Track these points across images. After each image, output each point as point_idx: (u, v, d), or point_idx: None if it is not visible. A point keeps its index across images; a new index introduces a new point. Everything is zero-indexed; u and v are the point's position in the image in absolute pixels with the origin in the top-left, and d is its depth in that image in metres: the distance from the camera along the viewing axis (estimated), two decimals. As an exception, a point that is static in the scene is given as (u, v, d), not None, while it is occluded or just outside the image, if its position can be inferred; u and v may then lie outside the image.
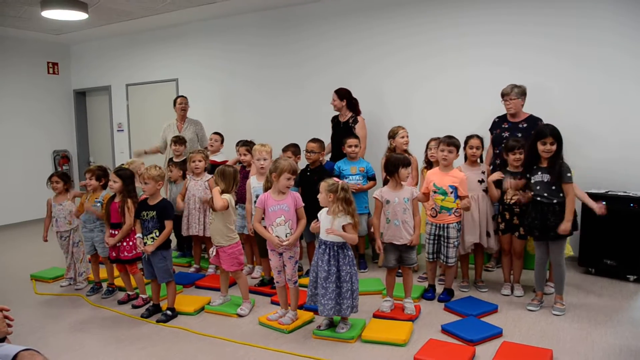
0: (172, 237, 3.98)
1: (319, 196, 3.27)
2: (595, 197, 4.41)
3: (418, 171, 4.69)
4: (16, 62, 7.78)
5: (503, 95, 4.45)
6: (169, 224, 3.72)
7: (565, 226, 3.50)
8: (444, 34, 5.40)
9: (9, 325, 1.83)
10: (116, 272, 4.39)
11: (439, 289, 4.09)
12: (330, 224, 3.22)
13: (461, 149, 4.12)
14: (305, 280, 4.13)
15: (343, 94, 5.21)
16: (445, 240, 3.86)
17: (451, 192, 3.81)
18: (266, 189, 3.64)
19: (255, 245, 4.56)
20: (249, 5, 6.32)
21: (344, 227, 3.20)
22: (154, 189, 3.72)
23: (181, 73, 7.44)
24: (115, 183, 3.95)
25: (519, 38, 5.01)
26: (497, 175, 3.99)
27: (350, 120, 5.22)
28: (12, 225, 7.57)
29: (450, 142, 3.87)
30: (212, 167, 4.86)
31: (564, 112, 4.60)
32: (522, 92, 4.43)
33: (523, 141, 4.00)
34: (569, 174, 3.52)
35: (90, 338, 3.45)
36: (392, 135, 4.68)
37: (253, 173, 4.39)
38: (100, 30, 7.46)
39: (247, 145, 4.81)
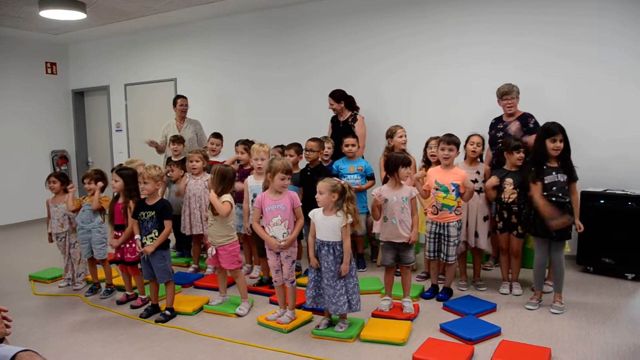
0: (172, 237, 3.98)
1: (318, 197, 3.26)
2: (593, 195, 4.44)
3: (416, 170, 4.69)
4: (14, 62, 7.76)
5: (503, 94, 4.41)
6: (168, 224, 3.72)
7: (579, 224, 3.67)
8: (442, 33, 5.40)
9: (8, 326, 1.82)
10: (115, 272, 4.39)
11: (440, 289, 4.09)
12: (330, 224, 3.22)
13: (461, 147, 4.14)
14: (303, 280, 4.14)
15: (339, 97, 5.21)
16: (446, 239, 3.87)
17: (453, 190, 3.81)
18: (265, 188, 3.65)
19: (254, 244, 4.56)
20: (247, 5, 6.31)
21: (344, 227, 3.21)
22: (153, 189, 3.72)
23: (179, 73, 7.43)
24: (116, 182, 3.95)
25: (517, 37, 5.01)
26: (494, 180, 3.95)
27: (350, 119, 5.23)
28: (10, 225, 7.56)
29: (450, 140, 3.87)
30: (209, 167, 4.85)
31: (563, 111, 4.59)
32: (518, 92, 4.43)
33: (524, 140, 4.01)
34: (575, 172, 3.60)
35: (89, 338, 3.45)
36: (390, 134, 4.68)
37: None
38: (99, 30, 7.45)
39: (245, 144, 4.81)
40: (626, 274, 4.35)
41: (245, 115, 6.82)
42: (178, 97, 6.15)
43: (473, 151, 4.11)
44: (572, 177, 3.58)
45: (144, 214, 3.70)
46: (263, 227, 3.51)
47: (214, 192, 3.70)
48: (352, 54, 5.96)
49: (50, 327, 3.68)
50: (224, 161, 5.24)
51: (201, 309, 3.89)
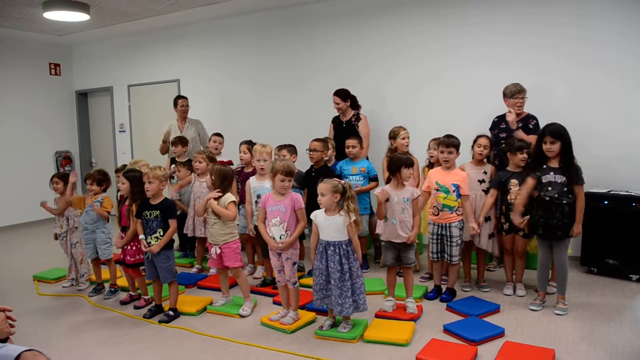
0: (175, 238, 3.99)
1: (320, 199, 3.25)
2: (597, 196, 4.43)
3: (419, 171, 4.69)
4: (18, 63, 7.79)
5: (515, 92, 4.35)
6: (173, 223, 3.73)
7: (577, 228, 3.54)
8: (445, 34, 5.40)
9: (12, 326, 1.83)
10: (119, 273, 4.40)
11: (443, 290, 4.08)
12: (334, 224, 3.23)
13: (466, 147, 4.13)
14: (307, 281, 4.13)
15: (345, 95, 5.21)
16: (448, 239, 3.87)
17: (453, 191, 3.82)
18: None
19: (258, 245, 4.56)
20: (250, 6, 6.32)
21: (350, 226, 3.22)
22: (157, 189, 3.72)
23: (182, 74, 7.44)
24: (123, 185, 3.96)
25: (520, 38, 5.00)
26: (521, 221, 3.78)
27: (353, 119, 5.23)
28: (15, 226, 7.59)
29: (449, 142, 3.87)
30: None
31: (566, 112, 4.58)
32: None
33: (529, 141, 4.01)
34: (581, 175, 3.53)
35: (93, 338, 3.46)
36: (393, 136, 4.68)
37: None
38: (102, 32, 7.47)
39: (248, 144, 4.83)
40: (630, 275, 4.33)
41: (248, 116, 6.82)
42: (178, 97, 6.15)
43: (480, 153, 4.10)
44: (572, 179, 3.52)
45: (148, 214, 3.71)
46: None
47: (214, 201, 3.70)
48: (355, 54, 5.95)
49: (54, 327, 3.69)
50: (229, 160, 5.26)
51: (204, 309, 3.89)
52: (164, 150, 6.04)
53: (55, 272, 4.89)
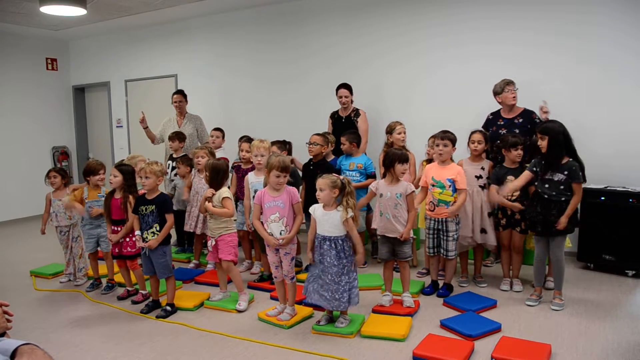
0: (173, 233, 3.98)
1: (318, 194, 3.25)
2: (594, 192, 4.44)
3: (416, 167, 4.69)
4: (15, 58, 7.76)
5: (504, 86, 4.36)
6: (170, 218, 3.73)
7: (563, 221, 3.50)
8: (444, 30, 5.39)
9: (9, 321, 1.83)
10: (116, 269, 4.40)
11: (440, 285, 4.09)
12: (332, 219, 3.23)
13: (463, 143, 4.14)
14: (304, 276, 4.13)
15: (350, 88, 5.21)
16: (445, 234, 3.88)
17: (449, 186, 3.82)
18: (266, 184, 3.64)
19: (255, 241, 4.56)
20: (248, 0, 6.29)
21: (347, 221, 3.22)
22: (154, 184, 3.71)
23: (180, 69, 7.42)
24: (115, 177, 3.95)
25: (518, 33, 5.00)
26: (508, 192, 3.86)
27: (353, 114, 5.22)
28: (12, 221, 7.57)
29: (444, 136, 3.88)
30: None
31: (563, 108, 4.58)
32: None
33: (523, 137, 4.01)
34: (580, 173, 3.53)
35: (90, 334, 3.46)
36: (390, 130, 4.68)
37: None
38: (99, 26, 7.44)
39: (247, 141, 4.81)
40: (626, 271, 4.35)
41: (247, 110, 6.81)
42: (174, 93, 6.14)
43: (475, 149, 4.11)
44: (571, 177, 3.53)
45: (144, 209, 3.70)
46: (262, 223, 3.51)
47: (209, 204, 3.73)
48: (354, 49, 5.94)
49: (52, 322, 3.69)
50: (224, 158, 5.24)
51: (202, 304, 3.90)
52: (152, 138, 6.03)
53: (52, 268, 4.88)
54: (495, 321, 3.34)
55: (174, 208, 4.87)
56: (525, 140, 3.98)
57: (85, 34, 8.01)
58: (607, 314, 3.54)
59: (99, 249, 4.36)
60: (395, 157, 3.57)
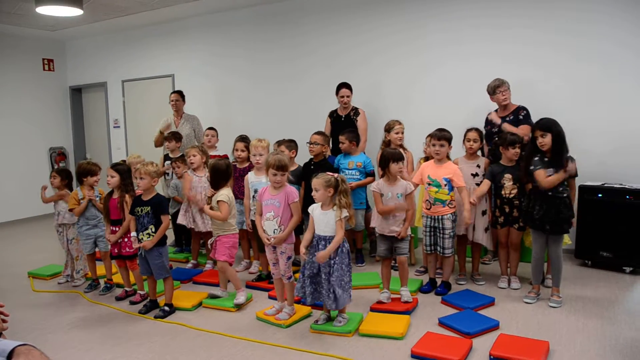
0: (170, 234, 3.98)
1: (314, 194, 3.25)
2: (591, 189, 4.45)
3: (414, 165, 4.70)
4: (11, 59, 7.73)
5: (495, 87, 4.40)
6: (165, 219, 3.72)
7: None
8: (442, 28, 5.39)
9: (4, 321, 1.82)
10: (114, 269, 4.39)
11: (438, 283, 4.09)
12: (328, 219, 3.23)
13: (459, 142, 4.14)
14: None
15: (351, 87, 5.21)
16: (441, 232, 3.88)
17: (445, 185, 3.83)
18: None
19: (254, 240, 4.56)
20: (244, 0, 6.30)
21: (339, 221, 3.21)
22: (149, 185, 3.70)
23: (177, 69, 7.41)
24: (112, 178, 3.94)
25: (518, 31, 5.00)
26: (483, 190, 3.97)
27: (352, 113, 5.22)
28: (9, 222, 7.55)
29: (440, 135, 3.89)
30: None
31: (561, 105, 4.60)
32: (509, 84, 4.43)
33: (521, 135, 4.02)
34: (575, 168, 3.56)
35: (88, 335, 3.45)
36: (388, 129, 4.68)
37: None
38: (96, 26, 7.43)
39: (244, 141, 4.80)
40: (624, 268, 4.36)
41: (243, 110, 6.80)
42: (171, 93, 6.12)
43: (470, 147, 4.12)
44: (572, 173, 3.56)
45: (139, 210, 3.70)
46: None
47: (206, 206, 3.76)
48: (351, 48, 5.94)
49: (50, 323, 3.68)
50: (224, 155, 5.24)
51: (200, 304, 3.89)
52: (159, 143, 5.97)
53: (50, 269, 4.87)
54: (493, 319, 3.35)
55: (172, 209, 4.90)
56: (522, 139, 3.99)
57: (82, 34, 7.99)
58: (604, 310, 3.55)
59: (96, 249, 4.35)
60: (389, 157, 3.59)
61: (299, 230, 4.09)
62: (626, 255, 4.32)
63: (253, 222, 4.01)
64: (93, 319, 3.73)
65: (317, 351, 3.06)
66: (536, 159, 3.62)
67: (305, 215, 3.73)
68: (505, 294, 3.94)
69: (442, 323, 3.35)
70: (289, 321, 3.46)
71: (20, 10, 6.30)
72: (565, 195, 3.57)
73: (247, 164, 4.68)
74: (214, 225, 3.81)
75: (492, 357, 2.87)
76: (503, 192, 3.95)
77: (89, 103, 8.73)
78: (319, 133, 4.65)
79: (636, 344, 3.02)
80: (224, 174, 3.81)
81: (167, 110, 6.21)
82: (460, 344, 3.00)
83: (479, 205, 4.07)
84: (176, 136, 5.35)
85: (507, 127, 4.23)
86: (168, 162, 5.29)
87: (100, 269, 4.46)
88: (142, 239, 3.68)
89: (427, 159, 4.45)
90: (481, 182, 4.08)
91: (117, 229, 3.96)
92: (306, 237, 3.37)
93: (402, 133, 4.63)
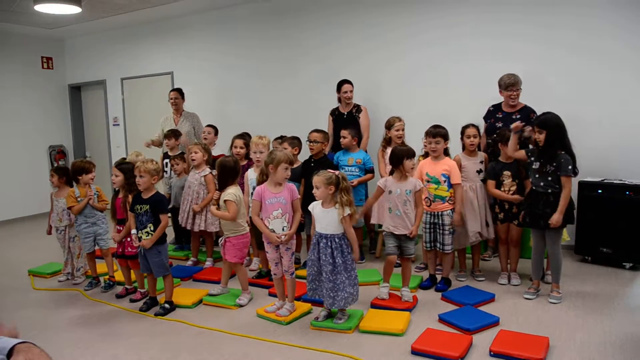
0: (170, 231, 3.98)
1: (315, 191, 3.25)
2: (591, 185, 4.45)
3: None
4: (10, 57, 7.72)
5: (509, 85, 4.33)
6: (164, 218, 3.71)
7: (556, 217, 3.51)
8: (441, 24, 5.37)
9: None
10: (115, 267, 4.39)
11: (438, 279, 4.10)
12: (329, 217, 3.23)
13: (456, 137, 4.14)
14: (302, 272, 4.14)
15: (352, 84, 5.20)
16: (441, 228, 3.88)
17: (444, 181, 3.83)
18: (260, 182, 3.62)
19: (253, 237, 4.55)
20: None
21: (343, 219, 3.21)
22: (149, 183, 3.69)
23: (176, 66, 7.40)
24: (117, 177, 3.94)
25: (516, 27, 4.99)
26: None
27: (354, 110, 5.21)
28: (9, 221, 7.55)
29: (435, 132, 3.88)
30: (212, 161, 4.81)
31: (561, 101, 4.58)
32: (521, 83, 4.39)
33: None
34: (569, 167, 3.50)
35: (89, 332, 3.46)
36: (389, 126, 4.67)
37: None
38: (95, 24, 7.41)
39: (242, 138, 4.79)
40: (624, 263, 4.36)
41: (243, 107, 6.79)
42: (170, 90, 6.12)
43: (471, 144, 4.11)
44: (559, 169, 3.52)
45: (139, 208, 3.70)
46: (262, 219, 3.50)
47: (212, 207, 3.76)
48: (350, 44, 5.92)
49: (50, 321, 3.68)
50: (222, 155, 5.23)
51: (200, 301, 3.90)
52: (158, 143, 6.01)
53: (50, 267, 4.88)
54: (494, 315, 3.35)
55: (171, 205, 4.89)
56: (521, 136, 3.98)
57: (81, 32, 7.97)
58: (604, 306, 3.55)
59: (96, 247, 4.35)
60: (403, 154, 3.58)
61: (300, 227, 4.09)
62: (626, 251, 4.32)
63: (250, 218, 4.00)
64: (93, 317, 3.74)
65: (318, 348, 3.07)
66: (531, 147, 3.69)
67: (305, 213, 3.73)
68: (505, 290, 3.94)
69: (442, 319, 3.36)
70: (289, 318, 3.46)
71: (19, 8, 6.28)
72: (550, 191, 3.55)
73: (245, 162, 4.68)
74: (225, 226, 3.77)
75: (492, 353, 2.87)
76: (503, 189, 3.96)
77: (88, 101, 8.72)
78: (317, 131, 4.64)
79: (636, 339, 3.02)
80: (231, 170, 3.78)
81: (167, 108, 6.21)
82: (461, 340, 3.00)
83: (487, 199, 4.09)
84: (176, 134, 5.34)
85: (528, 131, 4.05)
86: (167, 160, 5.28)
87: (101, 266, 4.47)
88: (141, 237, 3.68)
89: (426, 155, 4.45)
90: (484, 178, 4.09)
91: (122, 228, 3.97)
92: (312, 236, 3.38)
93: (403, 130, 4.62)
